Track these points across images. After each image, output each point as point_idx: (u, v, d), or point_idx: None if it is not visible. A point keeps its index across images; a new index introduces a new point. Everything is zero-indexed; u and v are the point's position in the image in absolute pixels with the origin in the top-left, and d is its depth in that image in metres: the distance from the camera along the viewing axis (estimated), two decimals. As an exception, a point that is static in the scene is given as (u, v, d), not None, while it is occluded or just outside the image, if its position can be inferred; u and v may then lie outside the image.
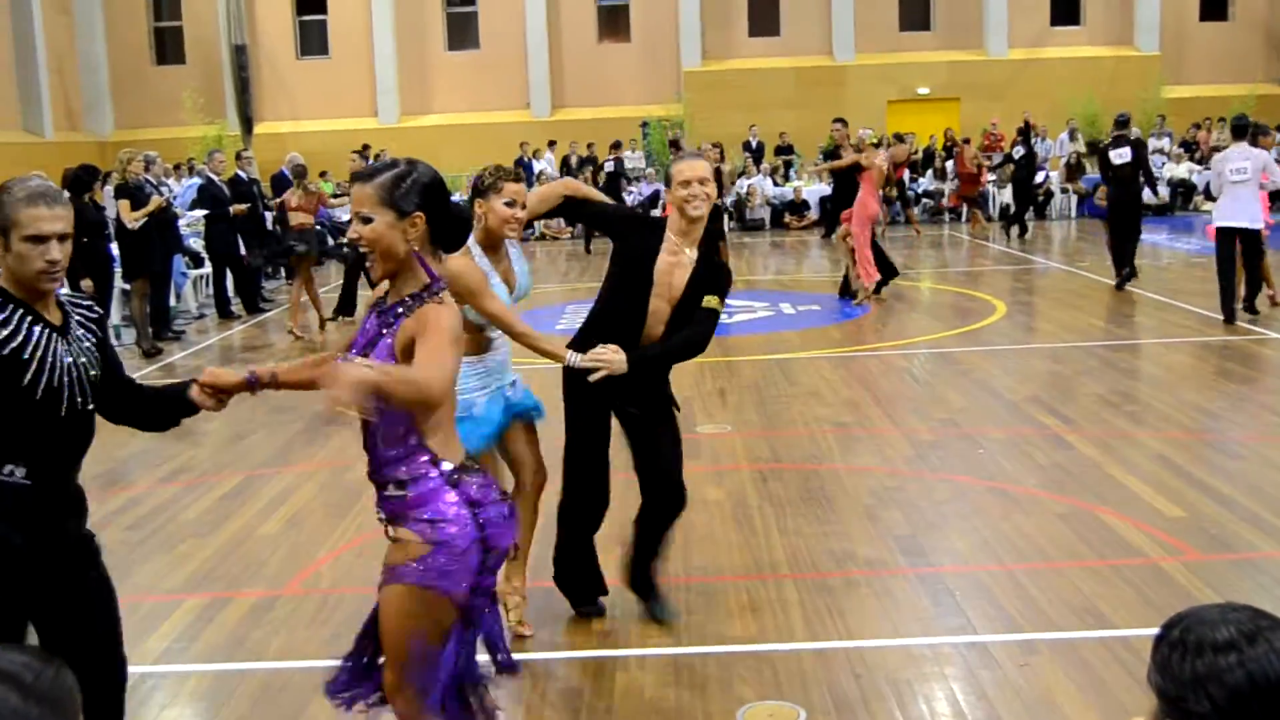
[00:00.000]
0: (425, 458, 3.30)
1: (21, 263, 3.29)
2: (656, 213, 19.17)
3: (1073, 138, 28.16)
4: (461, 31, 32.19)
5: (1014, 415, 9.14)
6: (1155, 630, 4.19)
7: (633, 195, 27.10)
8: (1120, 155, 14.93)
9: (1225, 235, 12.42)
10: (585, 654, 5.21)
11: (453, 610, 3.31)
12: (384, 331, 3.35)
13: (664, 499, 5.47)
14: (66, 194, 3.55)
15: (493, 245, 5.14)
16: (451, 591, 3.27)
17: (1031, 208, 24.49)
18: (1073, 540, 6.39)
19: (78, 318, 3.52)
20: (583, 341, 5.16)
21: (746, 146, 28.52)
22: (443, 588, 3.26)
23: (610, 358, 4.95)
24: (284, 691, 4.98)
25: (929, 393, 10.16)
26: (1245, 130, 12.75)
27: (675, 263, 5.17)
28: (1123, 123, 15.20)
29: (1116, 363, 11.13)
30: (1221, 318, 12.49)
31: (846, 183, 15.63)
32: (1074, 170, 26.46)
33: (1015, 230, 22.58)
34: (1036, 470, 7.72)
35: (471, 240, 4.94)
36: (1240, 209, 12.32)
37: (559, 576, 5.62)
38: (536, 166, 27.16)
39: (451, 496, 3.28)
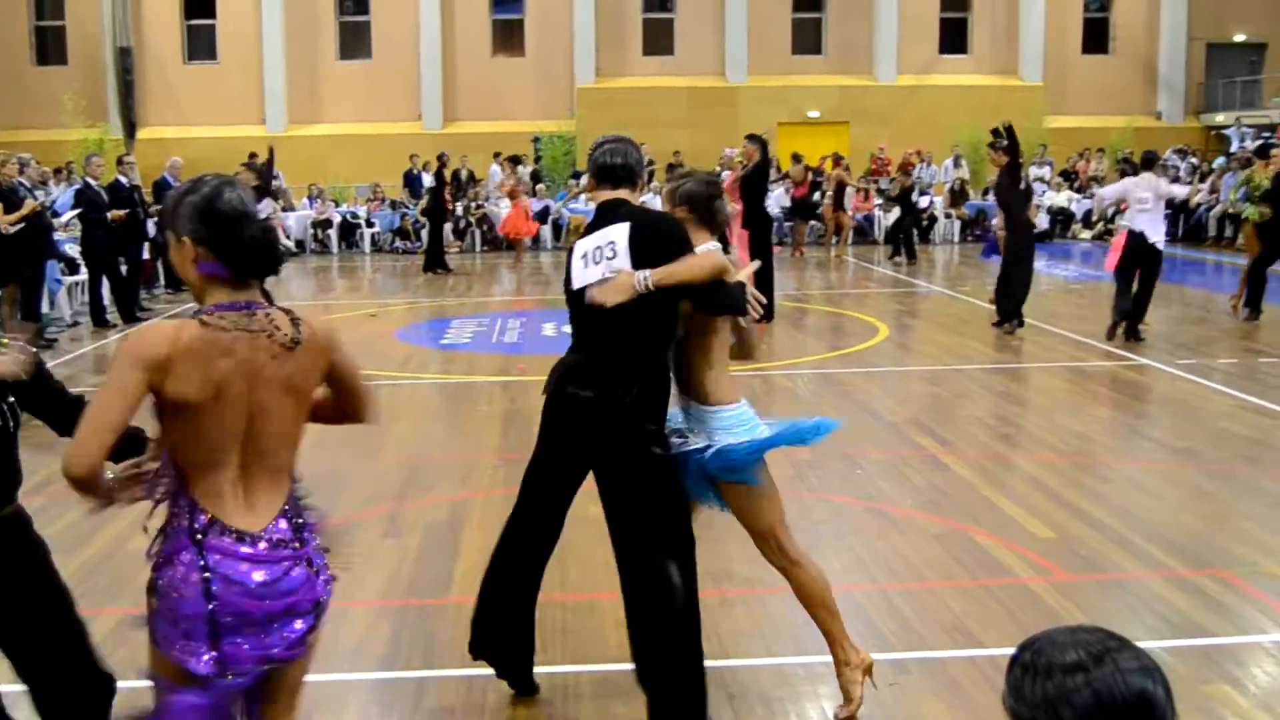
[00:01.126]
0: (182, 504, 3.01)
1: None
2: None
3: (957, 164, 28.74)
4: (353, 41, 31.84)
5: (893, 436, 9.26)
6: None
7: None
8: None
9: (1128, 256, 13.25)
10: (459, 673, 5.14)
11: (183, 676, 2.97)
12: None
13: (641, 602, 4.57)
14: None
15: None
16: (164, 651, 2.99)
17: (915, 231, 24.90)
18: (946, 560, 6.49)
19: None
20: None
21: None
22: (163, 651, 3.00)
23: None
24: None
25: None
26: (1152, 163, 13.80)
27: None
28: (999, 135, 15.41)
29: (994, 386, 11.35)
30: (1104, 336, 13.22)
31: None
32: (957, 196, 27.02)
33: (903, 255, 22.91)
34: (913, 491, 7.83)
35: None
36: (1145, 227, 13.17)
37: (475, 644, 4.85)
38: (426, 179, 26.92)
39: (186, 555, 2.95)
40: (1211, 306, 16.11)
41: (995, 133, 14.73)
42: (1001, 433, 9.40)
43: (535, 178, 28.62)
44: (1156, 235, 13.25)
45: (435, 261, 21.95)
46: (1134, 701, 1.69)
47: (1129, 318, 13.26)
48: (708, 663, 5.15)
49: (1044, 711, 1.72)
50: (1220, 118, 32.19)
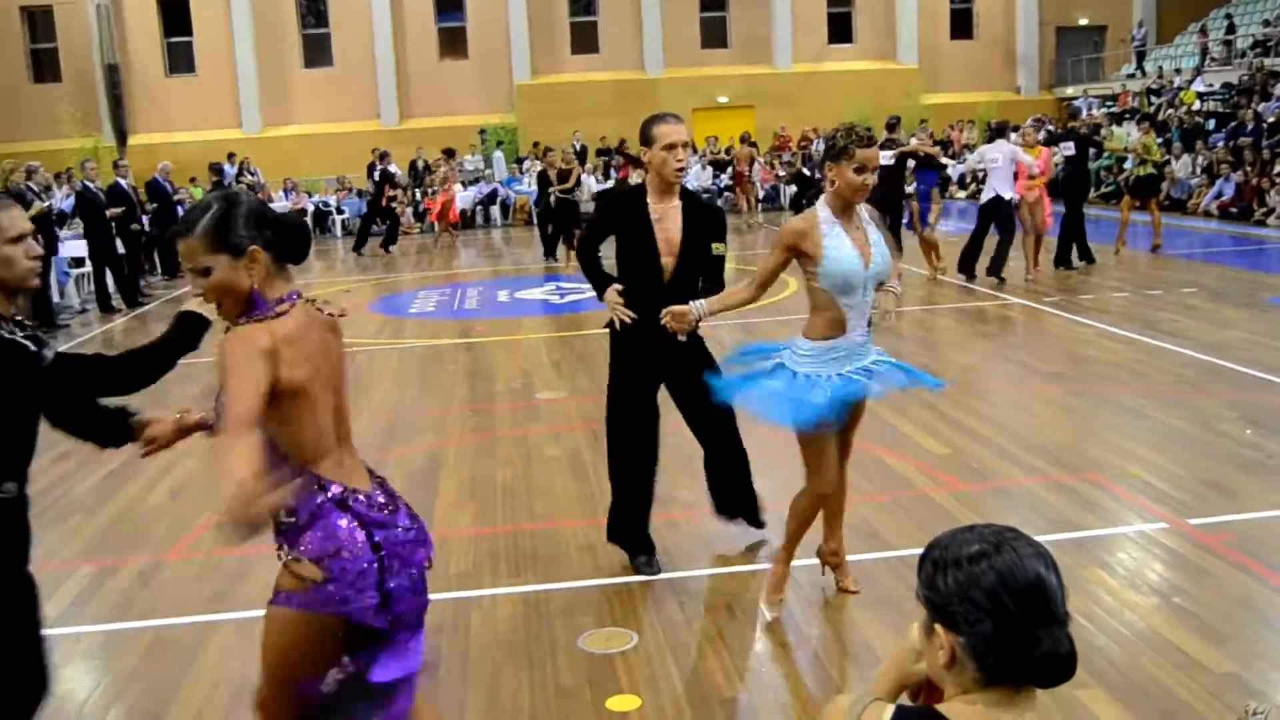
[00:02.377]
0: (312, 483, 2.79)
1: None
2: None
3: (828, 136, 28.79)
4: (316, 50, 31.23)
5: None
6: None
7: (474, 192, 26.81)
8: (886, 157, 14.68)
9: (984, 210, 13.74)
10: (443, 596, 5.11)
11: (338, 638, 2.80)
12: None
13: (723, 452, 5.40)
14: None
15: (844, 210, 4.41)
16: (343, 612, 2.76)
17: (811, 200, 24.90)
18: (857, 477, 6.46)
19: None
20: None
21: (572, 150, 28.40)
22: (332, 611, 2.75)
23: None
24: (172, 645, 4.79)
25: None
26: (1002, 132, 14.25)
27: (663, 219, 4.92)
28: (892, 125, 15.41)
29: (889, 327, 11.41)
30: (968, 279, 13.67)
31: None
32: (829, 160, 27.10)
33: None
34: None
35: (822, 202, 4.41)
36: (997, 185, 13.48)
37: (614, 533, 5.27)
38: (391, 170, 26.56)
39: (344, 520, 2.77)
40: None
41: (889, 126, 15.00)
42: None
43: (485, 164, 28.44)
44: (1007, 191, 13.45)
45: (361, 243, 22.20)
46: (1033, 578, 1.73)
47: (975, 258, 13.88)
48: (659, 575, 5.21)
49: (956, 599, 1.74)
50: (1070, 90, 32.48)
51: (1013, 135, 14.33)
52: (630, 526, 5.25)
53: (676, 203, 4.97)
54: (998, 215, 13.55)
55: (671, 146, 4.83)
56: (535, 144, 25.07)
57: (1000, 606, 1.71)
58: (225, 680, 4.41)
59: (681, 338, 4.83)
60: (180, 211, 19.15)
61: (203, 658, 4.62)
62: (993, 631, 1.71)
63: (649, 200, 4.96)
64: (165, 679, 4.47)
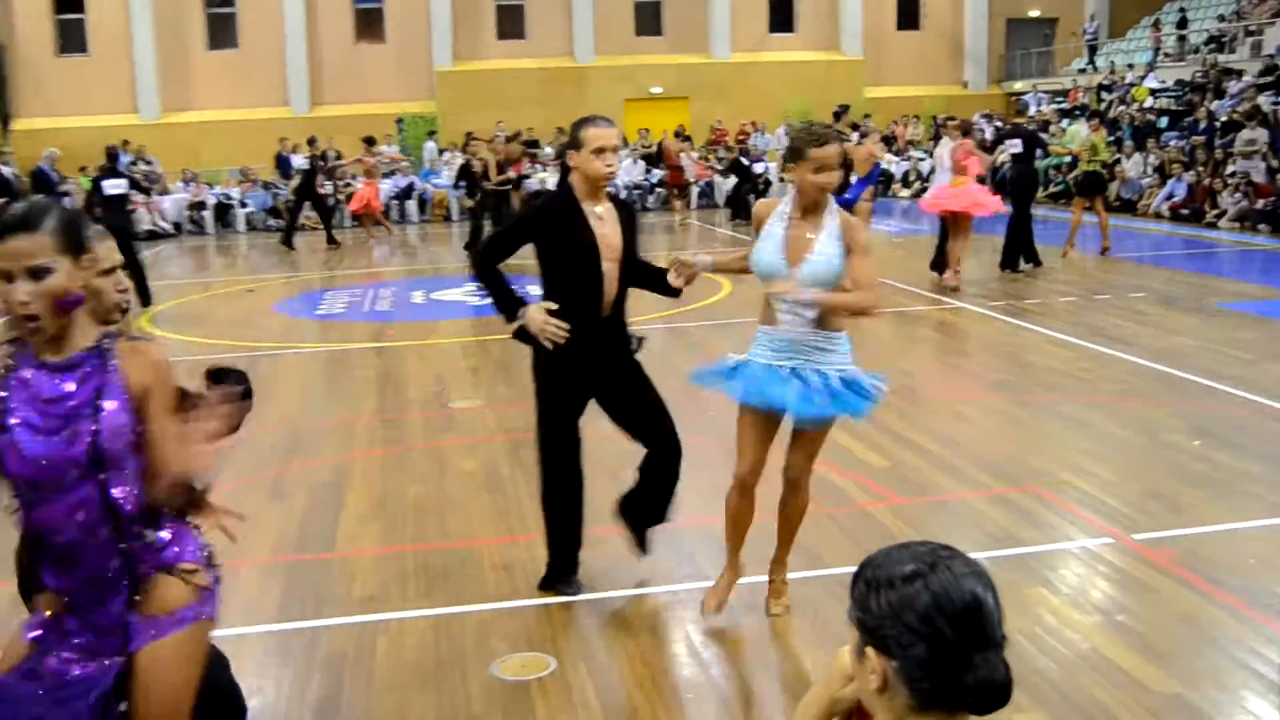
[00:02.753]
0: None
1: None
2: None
3: (789, 133, 29.05)
4: (221, 31, 30.81)
5: (740, 382, 9.33)
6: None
7: (389, 185, 26.60)
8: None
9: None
10: (346, 620, 5.07)
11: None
12: (73, 387, 2.71)
13: (668, 452, 5.27)
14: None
15: (809, 208, 4.59)
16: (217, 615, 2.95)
17: (752, 195, 25.06)
18: (792, 491, 6.55)
19: None
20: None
21: (513, 138, 28.28)
22: (213, 615, 2.92)
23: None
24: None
25: (665, 364, 10.25)
26: (969, 130, 14.38)
27: (602, 222, 4.89)
28: (839, 115, 15.55)
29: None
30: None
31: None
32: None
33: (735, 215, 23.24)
34: (760, 430, 7.89)
35: (790, 197, 4.65)
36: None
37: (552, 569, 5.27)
38: (295, 161, 26.32)
39: (187, 527, 2.94)
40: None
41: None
42: (837, 374, 9.54)
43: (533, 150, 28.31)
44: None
45: (288, 240, 21.65)
46: (969, 600, 1.73)
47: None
48: (579, 596, 5.20)
49: (889, 620, 1.74)
50: (1019, 85, 33.02)
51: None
52: (562, 554, 5.23)
53: (609, 203, 4.96)
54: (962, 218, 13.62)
55: (601, 151, 4.82)
56: (470, 134, 24.82)
57: (934, 629, 1.71)
58: None
59: (637, 349, 5.03)
60: (68, 202, 18.83)
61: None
62: (926, 656, 1.72)
63: (582, 204, 4.90)
64: None
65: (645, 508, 5.38)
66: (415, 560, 5.73)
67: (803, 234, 4.56)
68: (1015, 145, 15.33)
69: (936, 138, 14.44)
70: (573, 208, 4.89)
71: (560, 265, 4.91)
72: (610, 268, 4.88)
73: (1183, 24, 29.82)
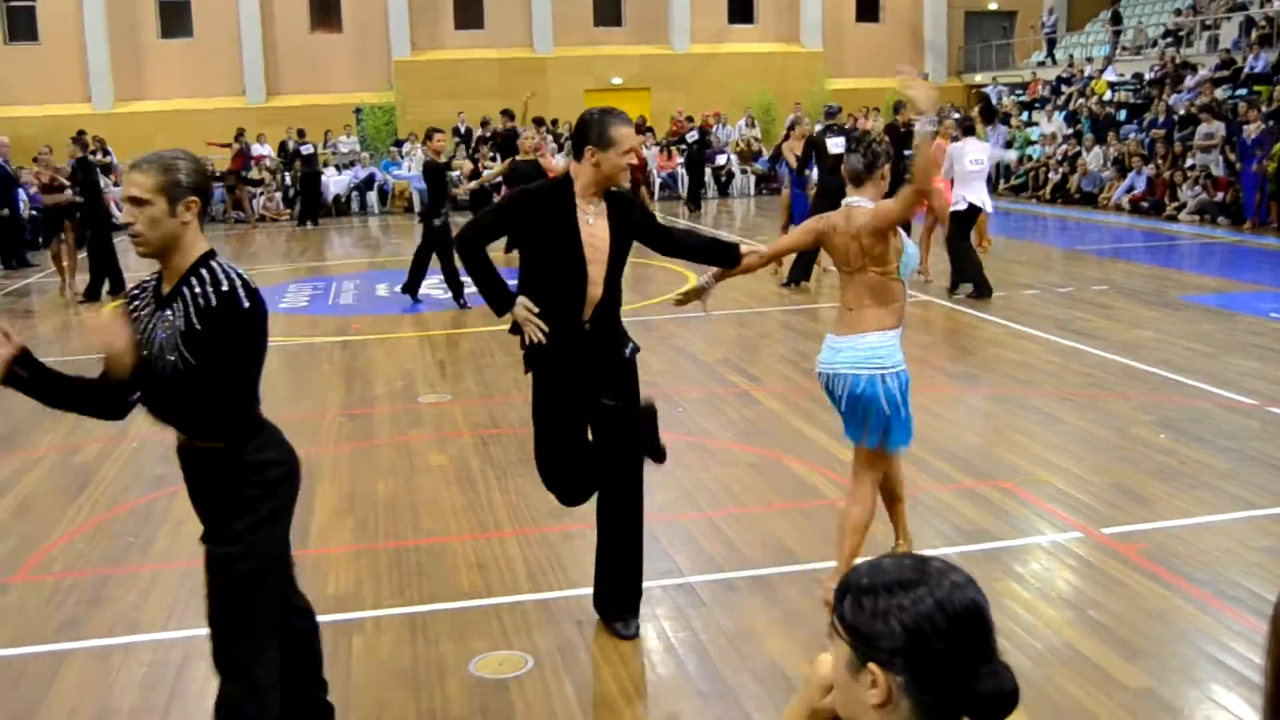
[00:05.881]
0: None
1: None
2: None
3: (750, 124, 29.15)
4: (174, 18, 30.46)
5: (708, 376, 9.39)
6: (837, 562, 4.19)
7: (349, 176, 26.45)
8: (836, 144, 13.51)
9: (962, 216, 12.75)
10: (322, 619, 5.03)
11: None
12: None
13: (623, 502, 4.82)
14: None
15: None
16: None
17: (714, 186, 25.20)
18: (763, 487, 6.62)
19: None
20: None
21: (456, 132, 28.17)
22: None
23: None
24: (22, 678, 4.64)
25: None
26: (971, 129, 13.32)
27: (592, 223, 4.60)
28: (833, 113, 15.31)
29: (794, 326, 11.59)
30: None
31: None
32: (746, 154, 27.48)
33: (690, 206, 23.31)
34: (729, 425, 7.96)
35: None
36: (973, 192, 12.73)
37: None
38: (255, 149, 26.14)
39: None
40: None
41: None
42: (804, 368, 9.58)
43: (360, 146, 28.17)
44: (987, 200, 12.95)
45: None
46: (970, 607, 1.71)
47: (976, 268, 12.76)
48: (555, 593, 5.22)
49: (890, 634, 1.70)
50: (979, 77, 33.25)
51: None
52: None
53: (603, 204, 4.67)
54: (967, 227, 12.83)
55: (629, 152, 4.59)
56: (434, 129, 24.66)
57: (942, 640, 1.68)
58: (80, 715, 4.30)
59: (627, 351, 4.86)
60: (20, 194, 18.56)
61: (55, 691, 4.50)
62: (934, 669, 1.68)
63: (577, 200, 4.61)
64: (12, 716, 4.34)
65: (615, 582, 4.86)
66: (388, 557, 5.73)
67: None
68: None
69: (908, 128, 14.07)
70: (566, 203, 4.58)
71: (540, 262, 4.65)
72: (595, 271, 4.60)
73: (1141, 18, 30.12)
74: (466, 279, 6.02)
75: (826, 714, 1.98)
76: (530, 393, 4.79)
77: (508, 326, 4.73)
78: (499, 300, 4.64)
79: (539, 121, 20.17)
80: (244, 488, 3.40)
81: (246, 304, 3.29)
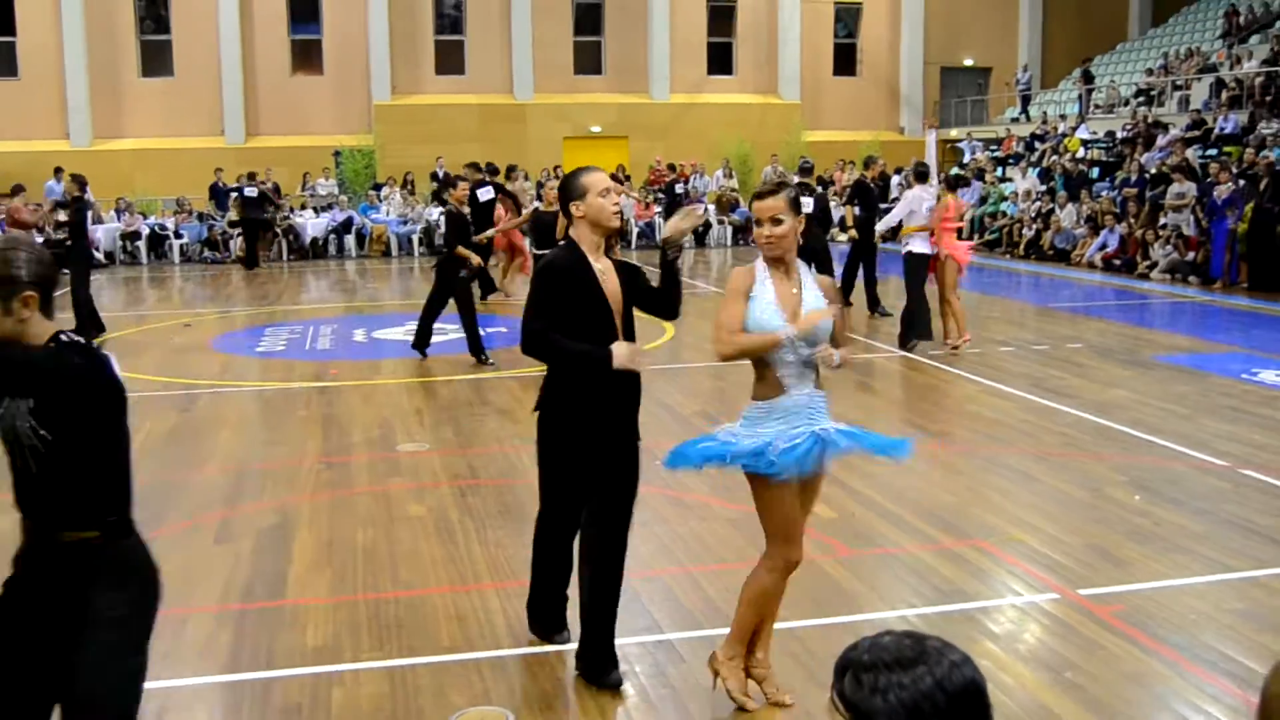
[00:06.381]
0: None
1: None
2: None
3: (728, 174, 29.41)
4: (155, 58, 30.52)
5: (685, 428, 9.41)
6: (815, 621, 4.29)
7: (327, 219, 26.47)
8: (805, 205, 13.69)
9: (920, 261, 12.72)
10: (300, 671, 5.05)
11: None
12: None
13: (602, 565, 4.87)
14: None
15: (773, 263, 4.59)
16: None
17: (691, 236, 25.27)
18: (741, 542, 6.63)
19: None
20: (564, 377, 4.84)
21: (434, 177, 28.29)
22: None
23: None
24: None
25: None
26: (926, 176, 13.34)
27: (606, 279, 4.80)
28: (807, 170, 15.36)
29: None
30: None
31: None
32: (724, 204, 27.70)
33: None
34: (707, 479, 7.93)
35: (760, 258, 4.60)
36: (916, 239, 12.75)
37: (532, 615, 5.30)
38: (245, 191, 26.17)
39: None
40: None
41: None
42: (781, 422, 9.65)
43: (339, 189, 28.22)
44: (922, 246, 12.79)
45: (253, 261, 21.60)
46: (969, 686, 1.75)
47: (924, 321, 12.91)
48: (535, 647, 5.22)
49: (891, 713, 1.72)
50: (954, 132, 33.66)
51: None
52: (550, 609, 5.27)
53: (608, 261, 4.90)
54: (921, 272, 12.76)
55: (606, 191, 4.79)
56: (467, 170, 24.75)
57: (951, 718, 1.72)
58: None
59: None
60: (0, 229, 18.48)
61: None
62: None
63: (589, 258, 4.82)
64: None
65: (593, 632, 4.91)
66: (367, 609, 5.73)
67: (788, 290, 4.60)
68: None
69: (882, 181, 14.06)
70: (581, 261, 4.77)
71: (568, 320, 4.72)
72: (619, 324, 4.85)
73: (1113, 77, 30.58)
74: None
75: None
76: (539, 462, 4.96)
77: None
78: (594, 360, 4.76)
79: (512, 169, 20.32)
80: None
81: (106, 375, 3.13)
